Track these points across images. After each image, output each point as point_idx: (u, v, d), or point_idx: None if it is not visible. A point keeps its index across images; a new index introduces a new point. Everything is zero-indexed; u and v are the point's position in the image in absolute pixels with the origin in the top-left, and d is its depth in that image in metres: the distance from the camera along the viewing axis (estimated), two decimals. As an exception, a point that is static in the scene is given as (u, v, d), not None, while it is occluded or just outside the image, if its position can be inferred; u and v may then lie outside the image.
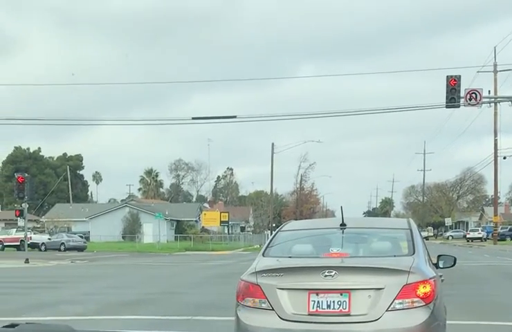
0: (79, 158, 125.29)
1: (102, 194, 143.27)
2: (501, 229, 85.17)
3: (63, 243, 66.43)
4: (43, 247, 65.82)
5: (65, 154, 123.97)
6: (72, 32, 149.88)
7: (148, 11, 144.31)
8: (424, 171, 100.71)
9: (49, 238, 69.77)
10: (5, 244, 67.82)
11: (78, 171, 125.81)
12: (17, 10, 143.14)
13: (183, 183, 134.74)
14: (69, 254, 58.48)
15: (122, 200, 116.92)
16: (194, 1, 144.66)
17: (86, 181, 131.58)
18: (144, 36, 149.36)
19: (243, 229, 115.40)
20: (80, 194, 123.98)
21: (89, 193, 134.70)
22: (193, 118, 46.06)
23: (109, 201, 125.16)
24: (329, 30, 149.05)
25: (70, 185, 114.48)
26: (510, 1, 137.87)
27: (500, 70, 55.28)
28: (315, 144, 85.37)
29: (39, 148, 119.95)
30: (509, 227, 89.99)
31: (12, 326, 3.30)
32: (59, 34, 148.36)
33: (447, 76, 34.31)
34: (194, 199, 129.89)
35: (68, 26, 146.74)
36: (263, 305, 7.34)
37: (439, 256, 9.13)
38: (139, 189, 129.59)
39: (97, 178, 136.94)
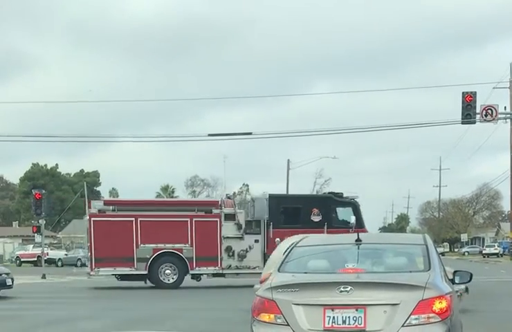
0: (96, 175, 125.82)
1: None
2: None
3: (79, 259, 66.54)
4: (59, 263, 66.07)
5: (82, 171, 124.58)
6: (89, 49, 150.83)
7: (164, 28, 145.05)
8: (440, 187, 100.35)
9: (66, 254, 70.04)
10: (22, 260, 68.16)
11: (95, 188, 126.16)
12: (36, 28, 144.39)
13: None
14: (86, 269, 58.50)
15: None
16: (210, 18, 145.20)
17: (103, 197, 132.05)
18: (160, 53, 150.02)
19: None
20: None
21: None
22: (209, 135, 46.17)
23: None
24: (345, 46, 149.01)
25: (86, 202, 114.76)
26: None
27: (516, 86, 55.03)
28: (330, 160, 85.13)
29: (57, 164, 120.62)
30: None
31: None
32: (76, 51, 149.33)
33: (463, 92, 34.30)
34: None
35: (86, 44, 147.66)
36: (278, 320, 7.36)
37: (455, 271, 9.12)
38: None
39: (113, 194, 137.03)
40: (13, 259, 70.80)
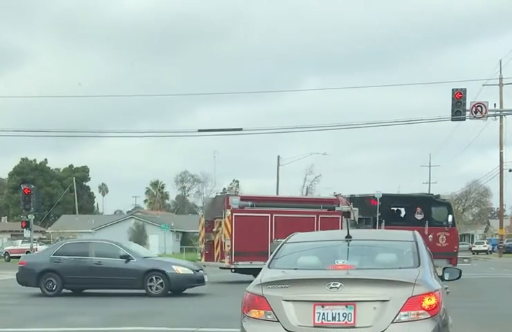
0: (85, 170, 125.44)
1: (108, 206, 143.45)
2: (507, 242, 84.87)
3: (69, 255, 66.46)
4: (48, 259, 65.88)
5: (71, 166, 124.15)
6: (79, 44, 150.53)
7: (155, 24, 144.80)
8: (429, 183, 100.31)
9: (55, 250, 69.76)
10: (11, 255, 67.93)
11: (84, 183, 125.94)
12: (25, 22, 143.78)
13: (188, 195, 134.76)
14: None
15: (127, 212, 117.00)
16: (201, 13, 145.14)
17: (92, 193, 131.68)
18: (151, 48, 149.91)
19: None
20: (86, 205, 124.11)
21: (95, 204, 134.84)
22: (199, 131, 46.07)
23: (115, 213, 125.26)
24: (336, 43, 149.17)
25: (76, 197, 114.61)
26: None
27: (506, 83, 55.32)
28: (320, 156, 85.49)
29: (46, 159, 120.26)
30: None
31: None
32: (66, 45, 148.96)
33: (452, 89, 34.32)
34: (199, 211, 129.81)
35: (76, 38, 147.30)
36: (268, 316, 7.38)
37: (444, 268, 9.16)
38: (145, 201, 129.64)
39: (103, 189, 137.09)
40: (2, 254, 70.52)
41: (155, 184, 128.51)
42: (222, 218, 29.25)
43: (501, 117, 52.07)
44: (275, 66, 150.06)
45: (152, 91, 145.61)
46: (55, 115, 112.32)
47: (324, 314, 7.18)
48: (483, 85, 54.24)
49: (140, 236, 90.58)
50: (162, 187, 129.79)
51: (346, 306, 7.15)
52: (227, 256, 28.79)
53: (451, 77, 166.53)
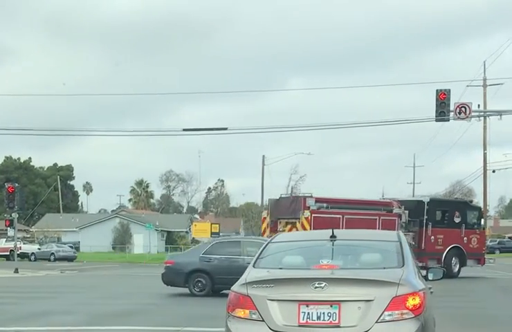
0: (69, 169, 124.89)
1: (93, 205, 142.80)
2: (491, 242, 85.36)
3: (53, 253, 66.18)
4: (32, 257, 65.56)
5: (55, 164, 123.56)
6: (66, 42, 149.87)
7: (141, 23, 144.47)
8: (414, 184, 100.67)
9: (39, 249, 69.48)
10: (-6, 254, 67.50)
11: (69, 182, 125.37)
12: (11, 20, 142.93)
13: (173, 194, 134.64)
14: (59, 264, 58.21)
15: (112, 211, 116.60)
16: (188, 13, 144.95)
17: (77, 191, 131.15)
18: (136, 47, 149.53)
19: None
20: (70, 204, 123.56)
21: (79, 203, 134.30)
22: (184, 130, 45.90)
23: (99, 212, 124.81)
24: (321, 43, 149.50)
25: (60, 195, 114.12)
26: (499, 16, 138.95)
27: (489, 85, 55.45)
28: (305, 156, 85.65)
29: (30, 158, 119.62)
30: (498, 240, 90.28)
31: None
32: (53, 44, 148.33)
33: (436, 90, 34.39)
34: (184, 210, 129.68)
35: (62, 37, 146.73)
36: (253, 316, 7.39)
37: (428, 268, 9.22)
38: (129, 200, 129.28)
39: (87, 188, 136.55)
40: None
41: (140, 183, 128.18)
42: (291, 218, 30.60)
43: (484, 118, 52.17)
44: (261, 65, 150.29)
45: (138, 90, 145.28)
46: (39, 114, 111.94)
47: (309, 313, 7.20)
48: (467, 86, 54.46)
49: (124, 235, 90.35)
50: (147, 186, 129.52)
51: (331, 306, 7.17)
52: None
53: (437, 77, 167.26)
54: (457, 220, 33.27)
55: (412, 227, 32.59)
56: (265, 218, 32.70)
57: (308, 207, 30.09)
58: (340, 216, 30.15)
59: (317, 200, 31.07)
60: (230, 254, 22.24)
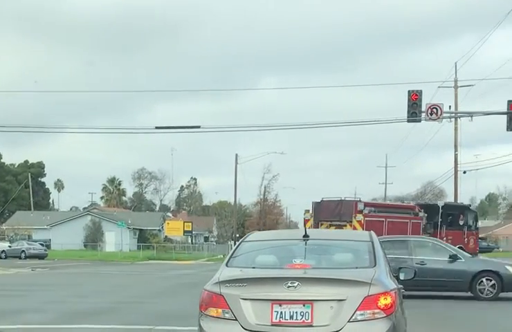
0: (41, 166, 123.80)
1: (64, 202, 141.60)
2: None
3: (23, 251, 65.63)
4: (3, 255, 64.97)
5: (27, 161, 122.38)
6: (37, 39, 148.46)
7: (114, 20, 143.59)
8: (386, 184, 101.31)
9: (9, 246, 68.86)
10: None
11: (40, 179, 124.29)
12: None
13: (146, 192, 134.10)
14: (30, 262, 57.79)
15: (84, 209, 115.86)
16: (160, 11, 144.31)
17: (48, 189, 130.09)
18: (108, 45, 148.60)
19: (206, 239, 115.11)
20: (42, 201, 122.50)
21: (51, 201, 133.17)
22: (156, 127, 45.70)
23: (71, 209, 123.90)
24: (294, 43, 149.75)
25: (31, 193, 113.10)
26: (470, 18, 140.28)
27: (460, 86, 55.79)
28: (278, 155, 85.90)
29: (0, 155, 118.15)
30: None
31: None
32: (24, 41, 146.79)
33: (408, 90, 34.60)
34: (157, 208, 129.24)
35: (34, 34, 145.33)
36: (226, 315, 7.39)
37: (399, 268, 9.30)
38: (101, 198, 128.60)
39: (59, 185, 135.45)
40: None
41: (112, 180, 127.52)
42: (335, 220, 31.85)
43: (456, 119, 52.56)
44: (235, 64, 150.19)
45: (111, 88, 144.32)
46: (10, 111, 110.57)
47: (281, 313, 7.23)
48: (439, 87, 54.82)
49: (96, 233, 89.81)
50: (119, 184, 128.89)
51: (304, 305, 7.20)
52: None
53: (409, 78, 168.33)
54: (461, 222, 36.68)
55: (428, 229, 35.05)
56: (308, 220, 33.52)
57: (361, 211, 31.70)
58: (383, 219, 32.18)
59: (366, 205, 33.11)
60: (397, 255, 20.58)
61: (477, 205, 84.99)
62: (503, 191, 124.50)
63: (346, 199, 34.98)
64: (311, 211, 33.51)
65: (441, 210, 35.76)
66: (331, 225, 31.57)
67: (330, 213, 32.44)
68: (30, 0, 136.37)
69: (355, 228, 30.69)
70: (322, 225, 32.00)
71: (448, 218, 36.30)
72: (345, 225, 31.10)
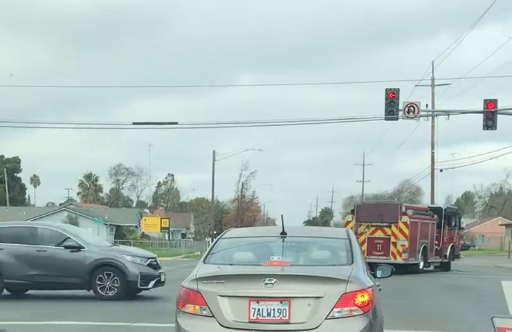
0: (16, 161, 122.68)
1: (40, 198, 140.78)
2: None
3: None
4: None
5: (2, 157, 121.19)
6: (13, 33, 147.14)
7: (90, 14, 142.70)
8: (363, 182, 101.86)
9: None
10: None
11: (15, 174, 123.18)
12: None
13: (123, 188, 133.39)
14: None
15: (60, 204, 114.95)
16: (138, 4, 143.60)
17: (24, 184, 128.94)
18: (85, 40, 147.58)
19: (184, 235, 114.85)
20: (17, 197, 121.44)
21: (27, 196, 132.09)
22: (134, 123, 45.56)
23: (47, 205, 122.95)
24: (272, 40, 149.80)
25: (7, 188, 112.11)
26: (446, 17, 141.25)
27: (437, 85, 56.21)
28: (256, 152, 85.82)
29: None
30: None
31: None
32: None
33: (386, 89, 34.79)
34: (134, 204, 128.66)
35: (8, 28, 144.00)
36: (203, 312, 7.38)
37: (376, 265, 9.33)
38: (78, 194, 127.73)
39: (35, 181, 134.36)
40: None
41: (88, 176, 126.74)
42: (375, 222, 33.67)
43: (432, 117, 53.03)
44: (212, 60, 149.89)
45: (87, 83, 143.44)
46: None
47: (259, 310, 7.23)
48: (416, 85, 55.25)
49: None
50: (96, 180, 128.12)
51: (281, 302, 7.21)
52: (404, 254, 33.56)
53: (387, 76, 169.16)
54: (453, 223, 39.78)
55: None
56: (349, 221, 34.98)
57: (406, 213, 33.65)
58: (418, 221, 34.57)
59: (407, 208, 35.25)
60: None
61: (453, 203, 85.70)
62: (479, 189, 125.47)
63: (385, 202, 39.23)
64: (354, 214, 35.00)
65: (444, 212, 38.56)
66: (369, 226, 33.71)
67: (370, 215, 34.29)
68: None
69: (401, 230, 33.27)
70: (360, 225, 33.84)
71: (447, 219, 38.91)
72: (387, 226, 33.47)
